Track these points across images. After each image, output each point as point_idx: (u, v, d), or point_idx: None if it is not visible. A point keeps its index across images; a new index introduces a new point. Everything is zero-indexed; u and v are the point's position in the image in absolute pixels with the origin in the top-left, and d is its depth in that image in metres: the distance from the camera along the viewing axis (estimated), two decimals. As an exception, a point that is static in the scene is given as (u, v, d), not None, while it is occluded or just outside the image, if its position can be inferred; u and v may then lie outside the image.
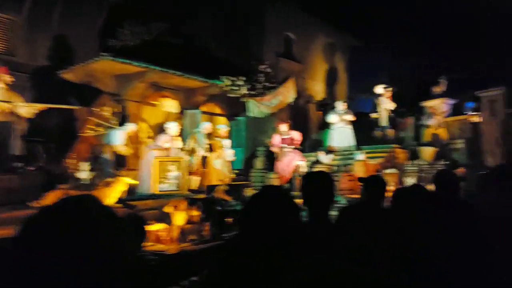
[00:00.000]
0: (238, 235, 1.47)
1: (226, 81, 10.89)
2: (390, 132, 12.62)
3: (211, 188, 5.67)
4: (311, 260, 0.78)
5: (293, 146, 10.37)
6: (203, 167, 9.68)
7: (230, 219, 5.51)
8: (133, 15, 12.82)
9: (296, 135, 10.54)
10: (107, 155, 8.04)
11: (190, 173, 9.46)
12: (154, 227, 4.84)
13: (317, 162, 10.53)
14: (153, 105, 10.71)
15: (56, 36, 10.81)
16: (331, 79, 16.82)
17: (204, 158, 10.35)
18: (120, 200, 6.22)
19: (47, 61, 10.30)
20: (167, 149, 8.61)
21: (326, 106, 15.74)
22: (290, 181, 10.13)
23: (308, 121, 16.09)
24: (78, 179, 5.87)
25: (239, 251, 1.34)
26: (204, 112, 12.24)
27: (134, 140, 9.78)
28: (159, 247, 4.17)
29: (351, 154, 11.13)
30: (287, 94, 12.93)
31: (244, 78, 11.07)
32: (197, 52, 12.36)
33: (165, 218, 5.08)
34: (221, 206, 5.54)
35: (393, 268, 1.13)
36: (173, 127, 8.81)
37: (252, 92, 11.63)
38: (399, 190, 2.59)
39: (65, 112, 9.41)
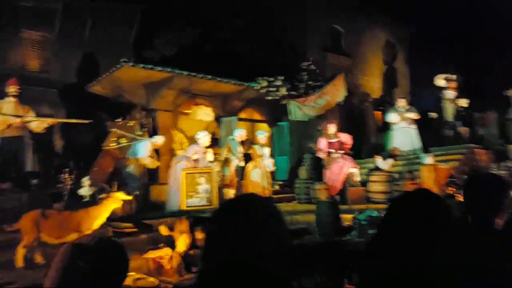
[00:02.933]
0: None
1: (262, 83, 10.08)
2: (464, 130, 10.96)
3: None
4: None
5: (343, 151, 9.19)
6: (238, 178, 8.90)
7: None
8: (167, 23, 12.63)
9: (346, 138, 9.38)
10: (131, 169, 7.58)
11: (224, 186, 8.74)
12: (154, 254, 4.10)
13: (376, 169, 9.27)
14: (186, 114, 10.22)
15: (88, 51, 10.81)
16: (389, 74, 15.32)
17: (241, 169, 9.58)
18: (130, 219, 5.63)
19: (79, 76, 10.28)
20: (196, 160, 7.96)
21: (386, 104, 14.26)
22: (341, 191, 8.98)
23: (364, 123, 14.70)
24: (80, 196, 5.41)
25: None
26: (241, 119, 11.54)
27: (166, 152, 9.33)
28: (146, 281, 3.42)
29: (417, 158, 9.72)
30: (335, 92, 11.80)
31: (282, 78, 10.18)
32: (232, 55, 11.76)
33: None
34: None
35: None
36: (203, 137, 8.16)
37: (294, 93, 10.68)
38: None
39: (98, 128, 9.24)
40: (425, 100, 15.28)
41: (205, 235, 1.06)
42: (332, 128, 9.24)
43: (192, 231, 3.97)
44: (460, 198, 6.78)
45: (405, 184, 7.81)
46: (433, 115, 11.11)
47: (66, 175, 5.35)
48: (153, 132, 9.23)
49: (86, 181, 5.38)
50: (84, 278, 2.08)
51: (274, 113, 11.96)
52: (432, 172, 7.91)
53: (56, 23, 10.13)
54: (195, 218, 4.11)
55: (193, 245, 4.00)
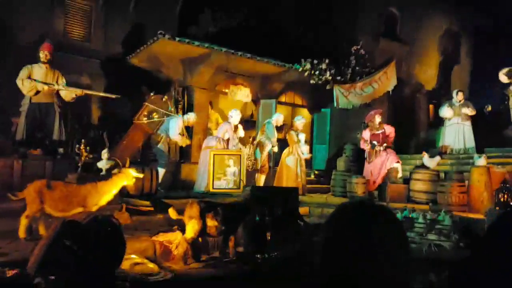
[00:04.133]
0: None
1: (305, 65, 9.51)
2: None
3: (253, 189, 4.47)
4: None
5: (386, 144, 8.49)
6: (272, 164, 8.52)
7: (268, 234, 4.27)
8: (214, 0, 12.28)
9: (389, 130, 8.65)
10: (162, 145, 7.42)
11: (256, 170, 8.40)
12: (163, 237, 3.84)
13: (422, 166, 8.52)
14: (224, 93, 9.91)
15: (132, 23, 10.70)
16: (448, 65, 14.07)
17: (275, 155, 9.19)
18: (150, 196, 5.43)
19: (122, 48, 10.21)
20: (227, 140, 7.66)
21: (441, 97, 13.14)
22: (381, 187, 8.34)
23: (415, 116, 13.71)
24: (98, 168, 5.27)
25: None
26: (281, 103, 11.09)
27: (199, 131, 9.11)
28: (145, 267, 3.15)
29: (468, 158, 8.84)
30: (385, 81, 11.01)
31: (327, 61, 9.54)
32: (278, 36, 11.21)
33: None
34: (262, 215, 4.29)
35: None
36: (235, 116, 7.83)
37: (339, 78, 10.01)
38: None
39: (137, 101, 9.17)
40: (487, 97, 13.98)
41: (322, 243, 0.97)
42: (378, 118, 8.54)
43: (203, 216, 3.64)
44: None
45: (451, 186, 7.04)
46: (489, 107, 10.04)
47: (82, 147, 5.22)
48: (188, 110, 9.03)
49: (104, 153, 5.23)
50: (70, 257, 1.70)
51: (317, 98, 11.37)
52: (484, 175, 7.08)
53: (102, -8, 10.06)
54: (206, 204, 3.78)
55: (203, 231, 3.68)
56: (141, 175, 4.08)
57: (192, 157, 8.90)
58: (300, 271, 3.56)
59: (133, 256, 3.27)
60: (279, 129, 8.98)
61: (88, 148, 5.27)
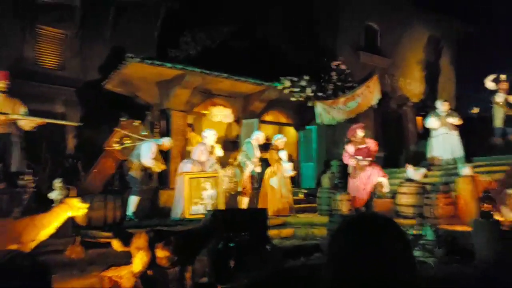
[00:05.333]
0: None
1: (285, 83, 9.34)
2: None
3: (216, 213, 4.18)
4: None
5: (370, 158, 8.23)
6: (253, 185, 8.21)
7: (232, 261, 3.97)
8: (193, 21, 12.26)
9: (372, 144, 8.40)
10: (134, 172, 7.13)
11: (238, 193, 8.10)
12: (113, 272, 3.52)
13: (408, 180, 8.26)
14: (203, 115, 9.71)
15: (110, 48, 10.60)
16: (432, 76, 13.99)
17: (258, 175, 8.90)
18: (110, 227, 5.11)
19: (99, 75, 10.06)
20: (203, 163, 7.39)
21: (428, 109, 12.98)
22: (367, 203, 8.03)
23: (403, 129, 13.51)
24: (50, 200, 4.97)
25: None
26: (264, 122, 10.89)
27: (178, 155, 8.85)
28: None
29: (456, 168, 8.58)
30: (368, 95, 10.86)
31: (308, 78, 9.38)
32: (259, 54, 11.12)
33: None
34: (225, 241, 3.99)
35: None
36: (210, 136, 7.58)
37: (321, 94, 9.84)
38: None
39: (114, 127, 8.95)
40: (473, 105, 13.84)
41: (327, 257, 0.97)
42: (360, 132, 8.30)
43: (152, 247, 3.35)
44: (498, 216, 5.72)
45: (437, 198, 6.75)
46: (475, 110, 9.88)
47: (29, 177, 4.94)
48: (167, 133, 8.81)
49: (57, 183, 4.94)
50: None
51: (302, 116, 11.19)
52: (469, 184, 6.82)
53: (76, 20, 9.98)
54: (156, 233, 3.48)
55: (152, 263, 3.37)
56: (85, 206, 3.78)
57: (171, 183, 8.61)
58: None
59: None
60: (265, 148, 8.73)
61: (36, 178, 5.00)
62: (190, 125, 9.95)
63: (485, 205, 5.24)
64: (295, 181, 11.47)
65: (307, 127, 11.05)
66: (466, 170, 7.49)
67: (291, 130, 11.71)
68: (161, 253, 3.33)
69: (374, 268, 0.86)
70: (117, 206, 5.31)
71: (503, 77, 9.35)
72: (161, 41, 12.18)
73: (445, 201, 6.79)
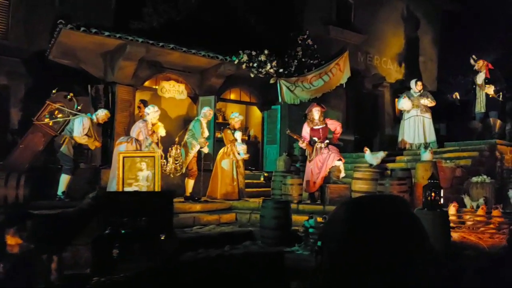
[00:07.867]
0: None
1: (242, 57, 8.75)
2: (496, 123, 9.19)
3: (102, 195, 3.69)
4: None
5: (328, 141, 7.73)
6: (198, 166, 7.74)
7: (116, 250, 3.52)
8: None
9: (335, 126, 7.90)
10: (65, 148, 6.64)
11: (183, 174, 7.63)
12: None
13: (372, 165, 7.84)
14: (153, 90, 9.14)
15: (58, 17, 9.90)
16: (413, 55, 13.40)
17: (209, 155, 8.45)
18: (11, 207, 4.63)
19: (46, 45, 9.40)
20: (139, 141, 6.89)
21: (406, 90, 12.48)
22: (321, 189, 7.57)
23: (379, 111, 13.02)
24: None
25: None
26: (225, 100, 10.35)
27: (122, 132, 8.32)
28: None
29: (424, 153, 8.14)
30: (337, 73, 10.33)
31: (267, 52, 8.79)
32: (221, 28, 10.45)
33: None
34: (112, 228, 3.53)
35: None
36: (151, 113, 7.06)
37: (283, 71, 9.28)
38: None
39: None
40: (456, 87, 13.31)
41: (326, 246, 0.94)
42: (316, 113, 7.76)
43: (1, 232, 2.87)
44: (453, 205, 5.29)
45: (391, 184, 6.30)
46: (456, 95, 9.41)
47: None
48: (111, 109, 8.26)
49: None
50: None
51: (267, 95, 10.64)
52: (430, 171, 6.34)
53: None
54: (8, 216, 3.00)
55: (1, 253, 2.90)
56: None
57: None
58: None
59: None
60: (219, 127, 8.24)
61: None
62: (143, 101, 9.38)
63: (431, 193, 4.77)
64: (258, 163, 11.02)
65: (273, 107, 10.51)
66: (426, 155, 7.06)
67: (256, 110, 11.18)
68: (12, 240, 2.86)
69: (388, 249, 0.83)
70: (21, 184, 4.81)
71: (474, 57, 8.91)
72: (121, 11, 11.47)
73: (399, 188, 6.34)
